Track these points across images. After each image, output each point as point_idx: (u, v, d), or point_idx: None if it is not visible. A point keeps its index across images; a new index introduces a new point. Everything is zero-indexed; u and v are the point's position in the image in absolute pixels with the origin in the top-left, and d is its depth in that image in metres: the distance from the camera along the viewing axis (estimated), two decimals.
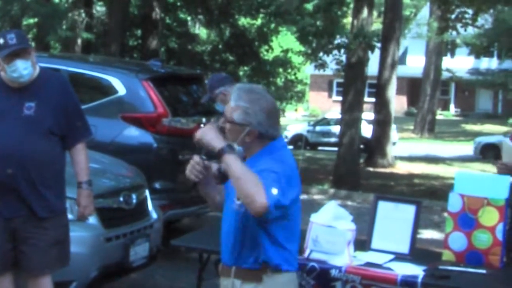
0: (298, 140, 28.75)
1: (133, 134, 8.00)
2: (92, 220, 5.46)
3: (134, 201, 6.05)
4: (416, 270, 4.35)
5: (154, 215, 6.34)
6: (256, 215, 3.22)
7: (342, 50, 16.58)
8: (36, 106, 4.63)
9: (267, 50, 24.52)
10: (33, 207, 4.63)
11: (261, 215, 3.21)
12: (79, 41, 21.19)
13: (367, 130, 22.63)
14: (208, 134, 3.38)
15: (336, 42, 16.43)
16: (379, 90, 20.29)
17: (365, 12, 16.20)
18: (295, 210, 3.49)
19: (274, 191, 3.22)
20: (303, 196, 13.79)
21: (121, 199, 5.92)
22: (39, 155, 4.62)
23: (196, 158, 3.47)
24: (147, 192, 6.39)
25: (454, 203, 4.68)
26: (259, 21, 23.64)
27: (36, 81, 4.71)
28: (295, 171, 3.48)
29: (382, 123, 20.29)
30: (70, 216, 5.27)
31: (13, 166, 4.57)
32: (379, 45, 17.91)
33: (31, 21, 22.73)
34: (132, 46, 24.54)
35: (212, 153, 3.41)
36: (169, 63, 21.58)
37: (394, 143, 23.68)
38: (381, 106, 20.25)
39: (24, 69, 4.61)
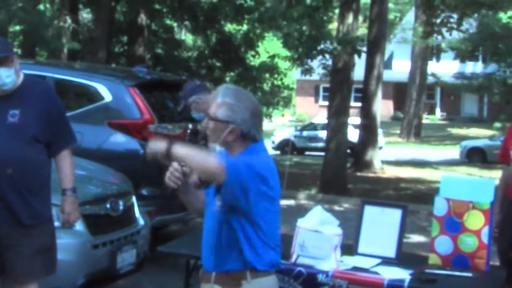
0: (285, 145, 28.77)
1: (119, 140, 8.00)
2: (79, 227, 5.45)
3: (121, 207, 6.05)
4: (403, 274, 4.37)
5: (141, 222, 6.34)
6: (219, 182, 3.30)
7: (328, 55, 16.63)
8: (20, 113, 4.62)
9: (253, 56, 24.55)
10: (18, 214, 4.62)
11: (222, 179, 3.27)
12: (65, 48, 21.15)
13: (353, 135, 22.68)
14: (150, 145, 3.46)
15: (321, 47, 16.46)
16: (365, 95, 20.35)
17: (350, 17, 16.26)
18: (272, 207, 3.48)
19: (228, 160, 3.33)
20: (290, 202, 13.83)
21: (108, 206, 5.91)
22: (24, 163, 4.61)
23: (174, 165, 3.48)
24: (134, 199, 6.38)
25: (440, 207, 4.70)
26: (245, 27, 23.66)
27: (20, 89, 4.70)
28: (273, 174, 3.49)
29: (368, 127, 20.35)
30: (56, 223, 5.27)
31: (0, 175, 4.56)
32: (364, 49, 17.95)
33: (17, 28, 22.68)
34: (118, 53, 24.52)
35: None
36: (156, 69, 21.56)
37: (380, 148, 23.76)
38: (367, 110, 20.31)
39: (7, 77, 4.59)
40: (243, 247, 3.43)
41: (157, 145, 3.43)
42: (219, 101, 3.45)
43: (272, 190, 3.45)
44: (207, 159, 3.32)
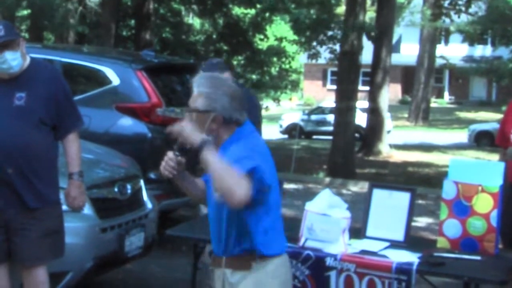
0: (293, 129, 28.78)
1: (127, 124, 7.99)
2: (87, 210, 5.46)
3: (129, 191, 6.04)
4: (411, 258, 4.36)
5: (149, 205, 6.34)
6: (234, 207, 3.23)
7: (335, 40, 16.59)
8: (26, 96, 4.62)
9: (261, 39, 24.49)
10: (25, 198, 4.63)
11: (239, 207, 3.21)
12: (72, 31, 21.14)
13: (361, 119, 22.65)
14: (186, 128, 3.38)
15: (330, 33, 16.42)
16: (373, 78, 20.29)
17: (359, 1, 16.19)
18: (275, 194, 3.49)
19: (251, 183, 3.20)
20: (298, 185, 13.83)
21: (116, 189, 5.91)
22: (30, 146, 4.61)
23: (169, 154, 3.52)
24: (142, 182, 6.38)
25: (449, 190, 4.69)
26: (253, 11, 23.58)
27: (27, 72, 4.70)
28: (267, 158, 3.49)
29: (376, 111, 20.31)
30: (64, 207, 5.27)
31: (4, 157, 4.56)
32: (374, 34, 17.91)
33: (25, 12, 22.67)
34: (126, 37, 24.47)
35: (185, 148, 3.43)
36: (163, 53, 21.52)
37: (388, 132, 23.72)
38: (375, 94, 20.26)
39: (13, 60, 4.59)
40: (250, 230, 3.42)
41: (191, 133, 3.34)
42: (196, 92, 3.47)
43: (273, 168, 3.47)
44: (238, 182, 3.16)
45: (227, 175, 3.18)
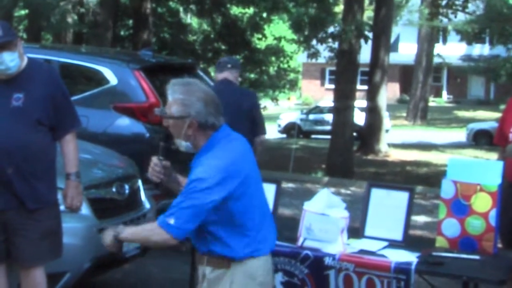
0: (291, 129, 28.79)
1: (125, 124, 7.98)
2: (85, 211, 5.45)
3: (127, 191, 6.03)
4: (410, 257, 4.35)
5: (147, 205, 6.32)
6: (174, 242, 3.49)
7: (334, 39, 16.58)
8: (24, 97, 4.61)
9: (259, 39, 24.47)
10: (24, 198, 4.62)
11: (175, 241, 3.48)
12: (70, 30, 21.10)
13: (360, 118, 22.65)
14: (104, 242, 3.69)
15: (330, 31, 16.41)
16: (371, 78, 20.28)
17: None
18: (244, 200, 3.52)
19: (171, 221, 3.44)
20: (296, 185, 13.82)
21: (114, 189, 5.89)
22: (28, 147, 4.60)
23: (153, 159, 3.68)
24: (139, 182, 6.36)
25: (447, 189, 4.68)
26: (251, 10, 23.56)
27: (24, 72, 4.68)
28: (236, 162, 3.52)
29: (374, 110, 20.30)
30: (62, 208, 5.26)
31: (3, 158, 4.55)
32: (370, 34, 17.89)
33: (22, 12, 22.63)
34: (124, 37, 24.45)
35: (169, 153, 3.66)
36: (161, 53, 21.50)
37: (387, 131, 23.72)
38: (374, 94, 20.25)
39: (10, 61, 4.57)
40: (224, 236, 3.52)
41: (106, 239, 3.65)
42: (171, 99, 3.55)
43: (234, 183, 3.47)
44: (152, 235, 3.49)
45: (144, 232, 3.55)
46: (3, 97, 4.58)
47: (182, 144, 3.56)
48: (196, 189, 3.40)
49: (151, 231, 3.49)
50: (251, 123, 7.02)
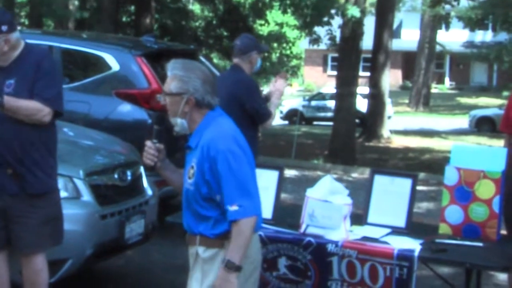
0: (293, 115, 28.73)
1: (127, 110, 7.96)
2: (87, 197, 5.44)
3: (129, 178, 6.02)
4: (413, 244, 4.34)
5: (149, 192, 6.31)
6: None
7: (336, 25, 16.51)
8: (15, 83, 4.60)
9: (262, 25, 24.41)
10: (23, 184, 4.61)
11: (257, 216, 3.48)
12: (72, 17, 21.06)
13: (362, 105, 22.59)
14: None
15: (333, 11, 16.27)
16: (374, 64, 20.23)
17: None
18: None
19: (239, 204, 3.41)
20: (298, 171, 13.81)
21: (116, 176, 5.88)
22: (21, 133, 4.59)
23: (147, 143, 3.72)
24: (142, 169, 6.35)
25: (451, 176, 4.66)
26: None
27: (18, 59, 4.67)
28: (239, 133, 3.63)
29: (377, 97, 20.25)
30: (65, 194, 5.25)
31: (0, 145, 4.55)
32: (372, 19, 17.81)
33: None
34: (126, 23, 24.40)
35: (164, 137, 3.70)
36: (163, 39, 21.45)
37: (389, 117, 23.68)
38: (376, 80, 20.20)
39: None
40: (216, 215, 3.53)
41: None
42: (170, 76, 3.62)
43: (246, 151, 3.56)
44: (247, 233, 3.42)
45: (246, 242, 3.43)
46: None
47: (178, 123, 3.59)
48: (231, 160, 3.44)
49: (241, 232, 3.40)
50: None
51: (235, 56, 6.49)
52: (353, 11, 15.13)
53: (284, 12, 18.18)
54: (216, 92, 3.64)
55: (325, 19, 16.28)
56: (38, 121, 4.56)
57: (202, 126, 3.57)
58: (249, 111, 6.23)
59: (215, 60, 23.12)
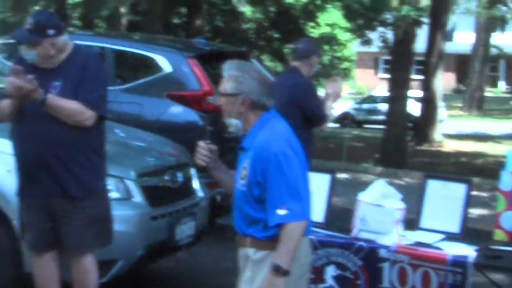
0: (344, 118, 28.57)
1: (178, 112, 7.98)
2: (138, 198, 5.46)
3: (180, 179, 6.03)
4: (467, 250, 4.26)
5: (200, 194, 6.32)
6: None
7: (388, 28, 16.38)
8: (61, 85, 4.61)
9: (313, 27, 24.32)
10: (67, 187, 4.63)
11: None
12: (123, 19, 21.22)
13: (415, 108, 22.36)
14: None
15: (383, 18, 16.18)
16: (427, 67, 20.01)
17: None
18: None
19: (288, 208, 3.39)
20: (349, 175, 13.72)
21: (167, 177, 5.89)
22: (65, 134, 4.59)
23: (200, 143, 3.72)
24: (193, 171, 6.35)
25: (507, 181, 4.57)
26: None
27: (66, 61, 4.68)
28: (292, 135, 3.61)
29: (430, 100, 20.03)
30: (116, 195, 5.27)
31: (42, 146, 4.58)
32: (426, 20, 17.61)
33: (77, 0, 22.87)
34: (177, 25, 24.53)
35: (217, 138, 3.57)
36: (215, 41, 21.52)
37: (441, 121, 23.39)
38: (429, 83, 19.97)
39: (26, 54, 4.65)
40: (258, 228, 3.53)
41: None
42: (226, 76, 3.61)
43: (299, 154, 3.55)
44: (296, 237, 3.39)
45: (295, 245, 3.39)
46: (43, 86, 4.55)
47: (232, 123, 3.59)
48: (284, 163, 3.42)
49: (290, 236, 3.37)
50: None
51: (295, 59, 6.49)
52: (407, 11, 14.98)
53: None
54: (272, 93, 3.61)
55: (376, 22, 16.15)
56: (79, 123, 4.57)
57: (256, 127, 3.56)
58: (307, 114, 6.23)
59: (266, 62, 23.11)
